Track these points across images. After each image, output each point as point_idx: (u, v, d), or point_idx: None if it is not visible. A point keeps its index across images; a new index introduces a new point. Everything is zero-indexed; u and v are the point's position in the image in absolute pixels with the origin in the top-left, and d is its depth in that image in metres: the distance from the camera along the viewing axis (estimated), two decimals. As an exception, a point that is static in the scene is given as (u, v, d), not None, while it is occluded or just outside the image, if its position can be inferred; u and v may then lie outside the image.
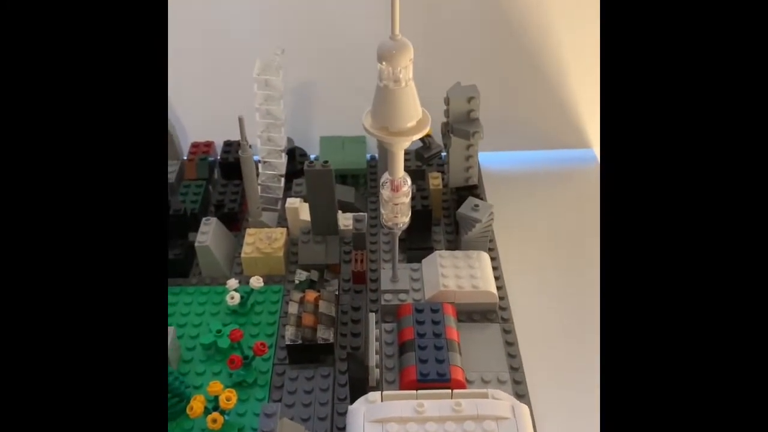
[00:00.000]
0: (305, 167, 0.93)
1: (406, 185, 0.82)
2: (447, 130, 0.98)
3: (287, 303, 0.92)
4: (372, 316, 0.83)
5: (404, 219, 0.85)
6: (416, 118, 0.75)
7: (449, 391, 0.74)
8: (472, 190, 1.04)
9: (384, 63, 0.70)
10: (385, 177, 0.82)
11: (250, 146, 0.96)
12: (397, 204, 0.83)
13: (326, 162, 0.93)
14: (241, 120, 0.91)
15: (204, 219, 0.98)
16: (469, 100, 0.95)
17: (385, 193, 0.83)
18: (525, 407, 0.72)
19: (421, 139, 0.94)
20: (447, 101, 0.96)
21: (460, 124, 0.96)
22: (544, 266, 1.04)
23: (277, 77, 0.96)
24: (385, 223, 0.86)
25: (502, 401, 0.71)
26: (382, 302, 0.91)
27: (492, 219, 0.96)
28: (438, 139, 1.09)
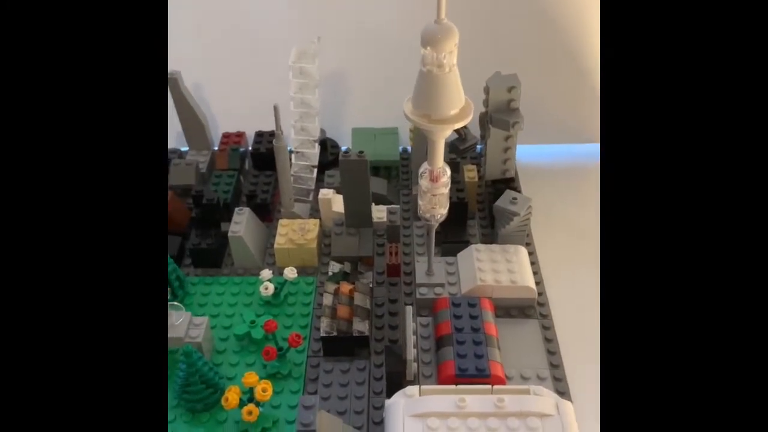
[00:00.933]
0: (340, 157, 0.92)
1: (446, 176, 0.80)
2: (485, 120, 0.96)
3: (321, 295, 0.91)
4: (409, 309, 0.82)
5: (442, 211, 0.83)
6: (459, 105, 0.73)
7: (489, 386, 0.72)
8: (508, 182, 1.02)
9: (428, 47, 0.68)
10: (424, 167, 0.81)
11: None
12: (435, 195, 0.81)
13: (362, 152, 0.92)
14: (276, 108, 0.89)
15: (237, 209, 0.97)
16: (510, 89, 0.92)
17: (423, 183, 0.81)
18: (569, 404, 0.69)
19: (456, 131, 0.91)
20: (486, 90, 0.94)
21: (500, 114, 0.93)
22: (581, 263, 1.01)
23: (313, 65, 0.95)
24: (423, 215, 0.84)
25: (545, 398, 0.69)
26: (417, 296, 0.90)
27: (530, 213, 0.93)
28: (474, 130, 1.07)
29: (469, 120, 0.73)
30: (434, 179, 0.80)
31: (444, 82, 0.70)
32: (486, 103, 0.94)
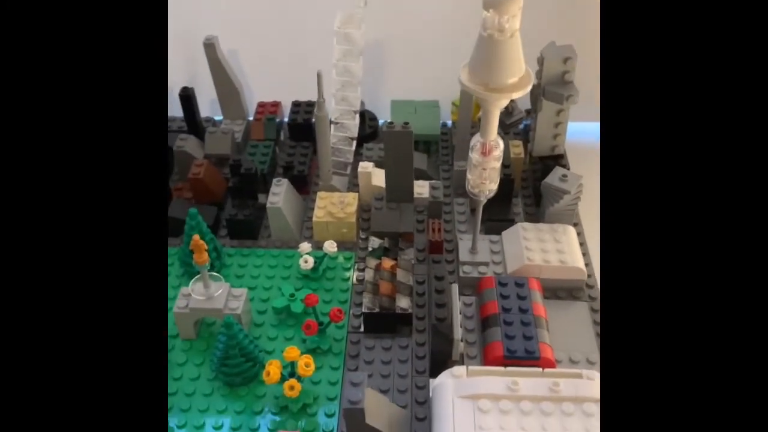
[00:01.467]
0: (384, 128, 0.88)
1: (498, 149, 0.76)
2: (537, 93, 0.92)
3: (360, 270, 0.89)
4: (454, 287, 0.79)
5: (492, 186, 0.80)
6: (519, 74, 0.69)
7: (540, 369, 0.69)
8: (557, 160, 0.98)
9: (491, 10, 0.64)
10: (475, 139, 0.77)
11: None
12: (486, 169, 0.77)
13: (407, 124, 0.88)
14: (319, 75, 0.86)
15: (275, 180, 0.94)
16: (565, 60, 0.88)
17: (474, 156, 0.77)
18: (626, 391, 0.66)
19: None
20: (540, 61, 0.89)
21: (553, 87, 0.89)
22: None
23: (359, 31, 0.91)
24: (471, 190, 0.80)
25: (599, 382, 0.66)
26: (461, 274, 0.87)
27: (581, 191, 0.89)
28: (521, 104, 1.03)
29: (529, 90, 0.70)
30: (486, 152, 0.76)
31: (504, 48, 0.66)
32: (539, 74, 0.90)
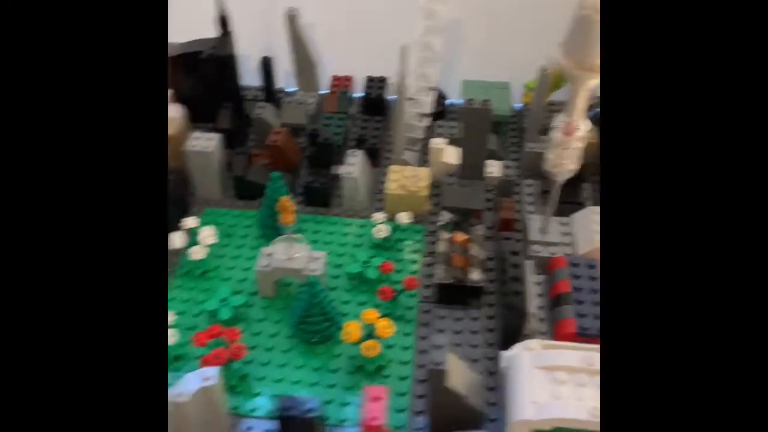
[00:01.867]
0: (464, 104, 0.90)
1: (582, 130, 0.77)
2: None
3: (431, 243, 0.91)
4: (529, 264, 0.80)
5: (572, 167, 0.80)
6: (612, 55, 0.69)
7: (614, 347, 0.70)
8: (630, 146, 0.98)
9: (591, -10, 0.65)
10: (560, 119, 0.78)
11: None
12: (567, 149, 0.78)
13: (487, 100, 0.89)
14: (404, 49, 0.88)
15: (350, 151, 0.97)
16: (651, 46, 0.88)
17: (556, 135, 0.78)
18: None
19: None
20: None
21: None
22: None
23: (444, 7, 0.92)
24: (550, 169, 0.82)
25: (675, 364, 0.67)
26: (531, 253, 0.88)
27: (656, 178, 0.90)
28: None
29: (620, 72, 0.70)
30: (569, 132, 0.77)
31: (599, 28, 0.67)
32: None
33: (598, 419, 0.62)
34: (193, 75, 1.04)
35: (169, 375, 0.69)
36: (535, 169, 1.01)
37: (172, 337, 0.74)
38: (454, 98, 1.17)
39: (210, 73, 1.02)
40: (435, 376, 0.63)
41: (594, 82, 0.72)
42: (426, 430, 0.69)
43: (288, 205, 0.75)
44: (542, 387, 0.65)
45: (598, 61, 0.69)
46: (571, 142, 0.78)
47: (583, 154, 0.95)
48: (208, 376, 0.61)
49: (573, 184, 0.96)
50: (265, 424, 0.70)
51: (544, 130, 0.97)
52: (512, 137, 1.11)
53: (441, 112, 1.15)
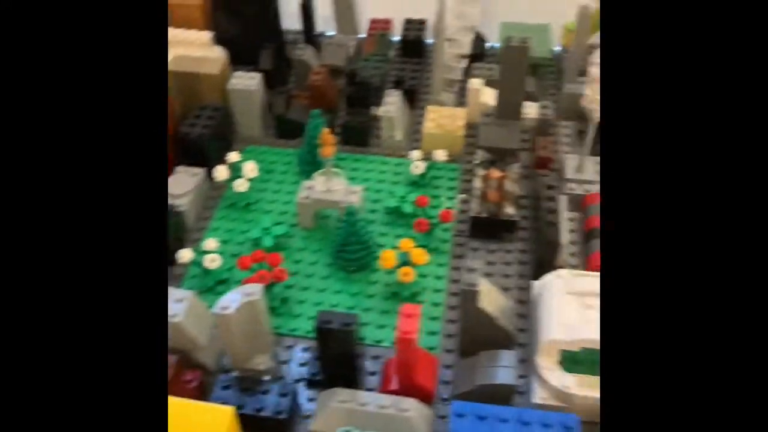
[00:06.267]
0: (502, 44, 0.90)
1: (620, 64, 0.77)
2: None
3: (467, 181, 0.92)
4: (564, 198, 0.81)
5: (609, 102, 0.81)
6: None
7: (644, 278, 0.71)
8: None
9: None
10: (594, 55, 0.78)
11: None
12: (604, 84, 0.79)
13: (525, 39, 0.89)
14: (443, -14, 0.88)
15: (388, 91, 0.98)
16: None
17: (593, 71, 0.78)
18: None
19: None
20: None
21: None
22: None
23: (484, -55, 0.92)
24: (588, 106, 0.82)
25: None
26: (567, 191, 0.89)
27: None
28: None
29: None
30: (607, 67, 0.77)
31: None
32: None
33: (625, 342, 0.64)
34: (235, 16, 1.06)
35: (214, 297, 0.73)
36: (572, 110, 1.01)
37: (215, 261, 0.78)
38: (493, 41, 1.17)
39: (251, 13, 1.05)
40: (468, 297, 0.66)
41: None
42: (457, 351, 0.72)
43: (329, 137, 0.78)
44: (572, 310, 0.68)
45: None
46: (608, 77, 0.78)
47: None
48: (252, 291, 0.65)
49: (610, 124, 0.96)
50: (306, 342, 0.74)
51: (583, 72, 0.97)
52: (551, 80, 1.11)
53: (480, 54, 1.15)
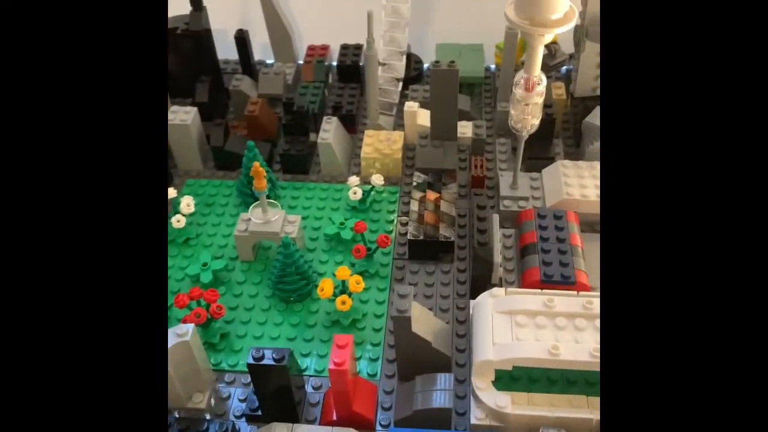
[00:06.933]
0: (431, 67, 0.92)
1: (541, 84, 0.79)
2: (580, 33, 0.94)
3: (405, 203, 0.94)
4: (496, 217, 0.83)
5: (534, 121, 0.83)
6: (563, 10, 0.71)
7: (575, 292, 0.73)
8: (597, 101, 1.00)
9: (538, -54, 0.67)
10: (519, 76, 0.80)
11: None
12: (528, 104, 0.81)
13: (453, 62, 0.92)
14: (370, 15, 0.90)
15: (326, 117, 0.99)
16: (610, 0, 0.89)
17: (518, 92, 0.80)
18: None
19: (547, 46, 0.90)
20: (584, 2, 0.91)
21: (597, 27, 0.91)
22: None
23: (409, -28, 0.94)
24: (514, 125, 0.84)
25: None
26: (501, 208, 0.91)
27: (621, 129, 0.92)
28: (564, 49, 1.05)
29: (572, 25, 0.72)
30: (529, 88, 0.79)
31: (550, -17, 0.69)
32: (583, 15, 0.92)
33: (555, 357, 0.65)
34: (169, 52, 1.06)
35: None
36: (507, 127, 1.03)
37: (156, 300, 0.78)
38: (430, 62, 1.19)
39: (186, 48, 1.05)
40: (400, 323, 0.67)
41: (547, 37, 0.74)
42: (396, 375, 0.73)
43: (260, 170, 0.78)
44: (504, 329, 0.69)
45: (549, 16, 0.71)
46: (531, 98, 0.80)
47: (553, 110, 0.98)
48: (183, 332, 0.65)
49: (543, 139, 0.98)
50: (247, 377, 0.74)
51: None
52: (486, 97, 1.13)
53: (417, 75, 1.17)
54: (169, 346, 0.64)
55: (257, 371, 0.64)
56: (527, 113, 0.82)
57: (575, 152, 1.01)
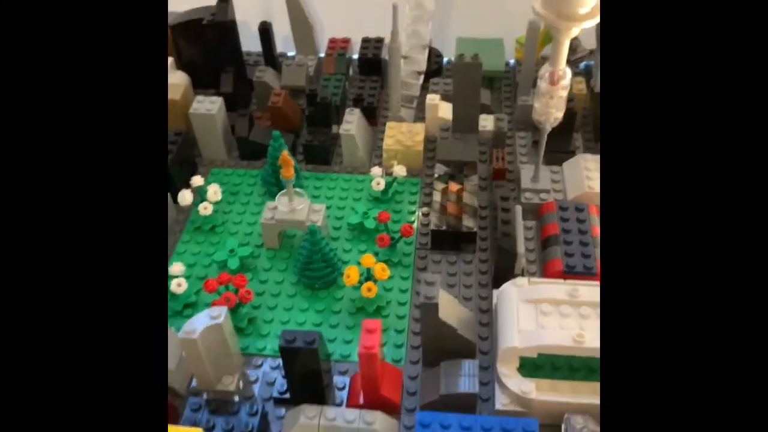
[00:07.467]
0: (454, 60, 0.93)
1: (566, 78, 0.80)
2: (604, 28, 0.95)
3: (427, 194, 0.95)
4: (518, 208, 0.84)
5: (558, 114, 0.84)
6: (591, 4, 0.72)
7: (598, 282, 0.74)
8: (618, 95, 1.01)
9: (568, -60, 0.68)
10: (544, 69, 0.81)
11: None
12: (553, 98, 0.82)
13: (476, 55, 0.93)
14: (395, 7, 0.91)
15: (348, 109, 1.01)
16: (634, -5, 0.90)
17: (542, 85, 0.81)
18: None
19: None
20: (609, -4, 0.92)
21: (621, 22, 0.92)
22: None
23: (434, -34, 0.95)
24: (537, 118, 0.85)
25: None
26: (523, 200, 0.92)
27: (642, 124, 0.93)
28: (587, 42, 1.06)
29: (598, 19, 0.73)
30: (554, 81, 0.80)
31: (579, -23, 0.70)
32: (606, 9, 0.93)
33: (580, 345, 0.67)
34: (195, 42, 1.08)
35: (182, 321, 0.74)
36: (527, 121, 1.05)
37: (181, 286, 0.79)
38: (450, 56, 1.20)
39: (211, 39, 1.06)
40: (427, 310, 0.68)
41: (574, 31, 0.75)
42: (422, 361, 0.74)
43: (288, 159, 0.80)
44: (528, 318, 0.70)
45: (577, 10, 0.72)
46: (556, 91, 0.81)
47: (574, 105, 0.99)
48: (216, 314, 0.67)
49: (564, 133, 0.99)
50: (274, 361, 0.75)
51: (536, 84, 1.01)
52: (506, 92, 1.14)
53: (437, 69, 1.18)
54: (203, 328, 0.65)
55: (288, 354, 0.65)
56: (551, 106, 0.83)
57: (595, 146, 1.02)
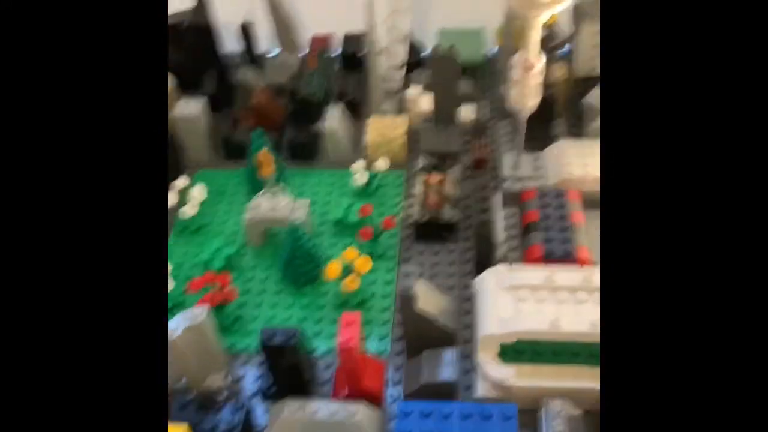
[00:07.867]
0: (431, 52, 0.94)
1: (539, 64, 0.81)
2: (581, 11, 0.95)
3: (410, 187, 0.96)
4: (498, 196, 0.85)
5: (533, 102, 0.84)
6: (558, -11, 0.73)
7: (576, 266, 0.75)
8: (597, 81, 1.01)
9: (531, -73, 0.68)
10: (515, 57, 0.81)
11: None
12: (527, 85, 0.82)
13: (452, 46, 0.93)
14: (369, 3, 0.91)
15: (331, 105, 1.01)
16: (607, -22, 0.90)
17: (516, 72, 0.82)
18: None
19: (546, 25, 0.91)
20: (582, -20, 0.92)
21: (595, 6, 0.92)
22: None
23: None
24: (512, 106, 0.85)
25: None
26: (504, 188, 0.92)
27: (621, 107, 0.93)
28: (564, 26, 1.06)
29: (566, 5, 0.74)
30: (527, 68, 0.81)
31: (545, -37, 0.70)
32: (580, -6, 0.93)
33: (557, 330, 0.67)
34: (176, 46, 1.08)
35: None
36: (506, 110, 1.05)
37: (169, 285, 0.80)
38: (430, 48, 1.20)
39: (192, 42, 1.07)
40: (405, 301, 0.69)
41: (544, 18, 0.75)
42: (404, 352, 0.75)
43: (265, 158, 0.81)
44: (506, 304, 0.71)
45: (545, -3, 0.72)
46: (529, 78, 0.81)
47: (554, 91, 0.99)
48: (197, 314, 0.68)
49: (546, 120, 1.00)
50: (260, 358, 0.76)
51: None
52: (486, 81, 1.15)
53: (418, 61, 1.18)
54: (185, 327, 0.66)
55: (269, 350, 0.66)
56: (526, 93, 0.83)
57: (577, 132, 1.02)
